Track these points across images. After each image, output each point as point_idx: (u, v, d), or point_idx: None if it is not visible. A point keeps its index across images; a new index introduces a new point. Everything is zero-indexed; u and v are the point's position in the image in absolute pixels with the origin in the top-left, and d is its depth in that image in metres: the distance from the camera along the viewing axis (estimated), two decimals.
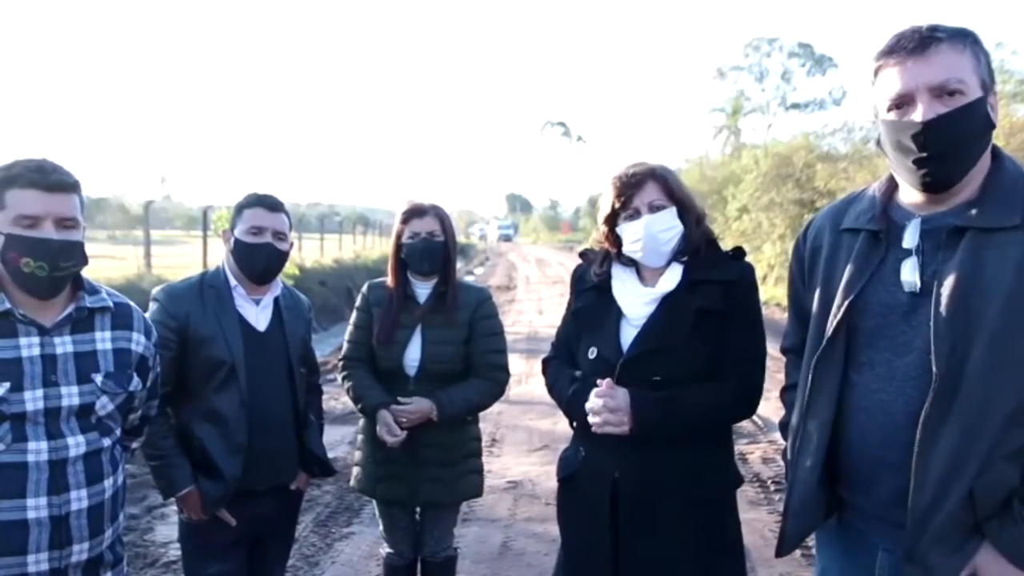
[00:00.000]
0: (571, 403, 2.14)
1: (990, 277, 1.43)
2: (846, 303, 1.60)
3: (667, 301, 2.07)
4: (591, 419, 2.01)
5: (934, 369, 1.44)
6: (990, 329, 1.42)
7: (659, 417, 1.99)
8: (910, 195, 1.61)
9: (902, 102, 1.52)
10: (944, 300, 1.46)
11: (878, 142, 1.63)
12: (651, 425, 1.98)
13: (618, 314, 2.12)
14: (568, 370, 2.22)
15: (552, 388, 2.28)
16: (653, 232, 2.07)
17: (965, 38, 1.50)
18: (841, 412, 1.62)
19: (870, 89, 1.60)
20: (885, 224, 1.61)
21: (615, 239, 2.17)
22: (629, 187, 2.10)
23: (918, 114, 1.49)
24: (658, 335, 2.05)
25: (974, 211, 1.49)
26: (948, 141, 1.48)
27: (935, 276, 1.49)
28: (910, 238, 1.55)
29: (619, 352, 2.07)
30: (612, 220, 2.16)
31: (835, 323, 1.62)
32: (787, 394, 1.85)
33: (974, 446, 1.42)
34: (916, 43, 1.50)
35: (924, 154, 1.49)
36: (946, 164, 1.50)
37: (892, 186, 1.67)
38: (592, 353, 2.12)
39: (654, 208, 2.09)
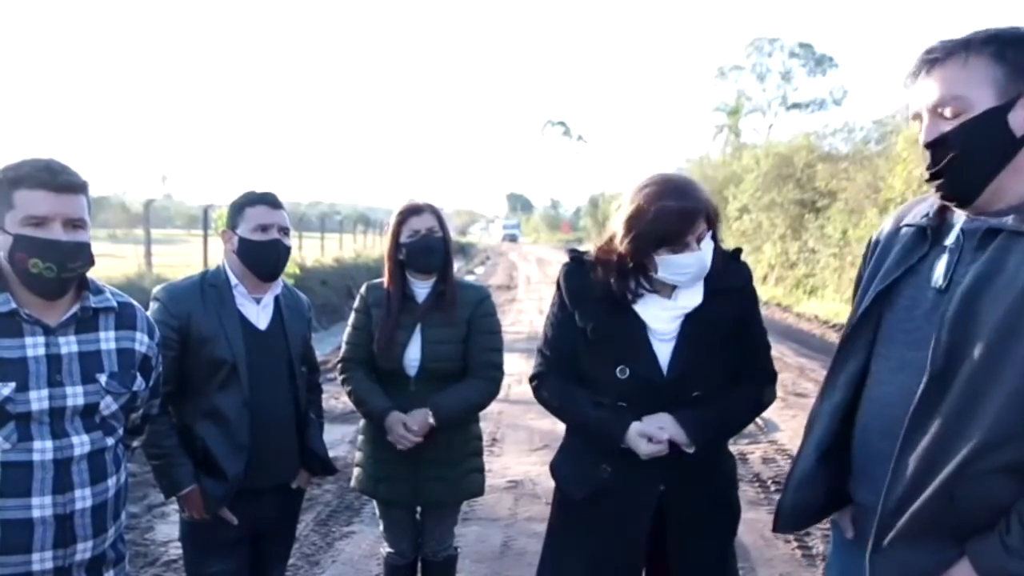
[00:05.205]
0: (600, 432, 2.10)
1: (1005, 280, 1.42)
2: (874, 293, 1.63)
3: (695, 315, 2.06)
4: (641, 445, 2.02)
5: (928, 364, 1.45)
6: (990, 331, 1.40)
7: (714, 435, 2.09)
8: None
9: (917, 121, 1.56)
10: (956, 298, 1.46)
11: None
12: (706, 444, 2.05)
13: (643, 329, 2.07)
14: (581, 391, 2.13)
15: (566, 409, 2.19)
16: (704, 263, 2.03)
17: (967, 48, 1.47)
18: (857, 401, 1.64)
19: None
20: (937, 222, 1.61)
21: (641, 259, 2.04)
22: (683, 223, 1.98)
23: (922, 135, 1.52)
24: (695, 352, 2.05)
25: (1013, 215, 1.47)
26: (951, 158, 1.48)
27: (961, 275, 1.49)
28: (952, 236, 1.56)
29: (657, 370, 2.05)
30: (650, 246, 2.01)
31: (861, 311, 1.65)
32: None
33: (952, 446, 1.41)
34: (916, 66, 1.52)
35: (931, 171, 1.52)
36: (955, 179, 1.50)
37: None
38: (624, 372, 2.06)
39: (700, 239, 2.02)
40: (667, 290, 2.09)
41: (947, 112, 1.47)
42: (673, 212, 1.97)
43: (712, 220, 2.07)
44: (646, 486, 2.07)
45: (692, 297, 2.07)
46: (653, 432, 2.01)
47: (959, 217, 1.58)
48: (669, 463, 2.03)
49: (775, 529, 1.81)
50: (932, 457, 1.43)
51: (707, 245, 2.04)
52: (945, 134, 1.48)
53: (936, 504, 1.43)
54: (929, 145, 1.49)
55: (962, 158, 1.48)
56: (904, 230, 1.68)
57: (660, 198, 1.98)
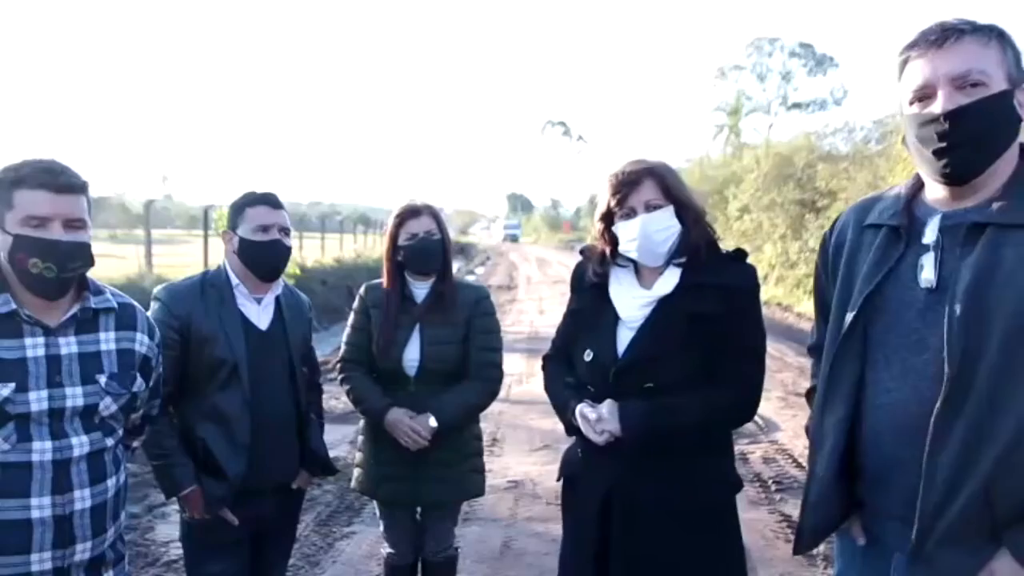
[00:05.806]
0: (560, 412, 2.18)
1: (1007, 274, 1.41)
2: (861, 298, 1.60)
3: (663, 305, 2.04)
4: (583, 428, 2.04)
5: (946, 368, 1.43)
6: (1003, 328, 1.40)
7: (646, 427, 1.97)
8: (934, 192, 1.59)
9: (924, 94, 1.51)
10: (959, 297, 1.44)
11: (904, 139, 1.61)
12: (638, 435, 1.97)
13: (614, 316, 2.09)
14: (563, 373, 2.21)
15: (547, 389, 2.30)
16: (648, 232, 2.02)
17: (991, 32, 1.49)
18: (858, 410, 1.61)
19: (896, 84, 1.58)
20: (907, 220, 1.59)
21: (611, 238, 2.12)
22: (625, 185, 2.05)
23: (938, 105, 1.48)
24: (652, 341, 2.02)
25: (996, 207, 1.47)
26: (968, 132, 1.47)
27: (952, 273, 1.47)
28: (930, 234, 1.54)
29: (614, 356, 2.04)
30: (608, 219, 2.11)
31: (851, 319, 1.61)
32: (813, 395, 1.81)
33: (984, 446, 1.41)
34: (939, 35, 1.50)
35: (943, 144, 1.48)
36: (966, 155, 1.49)
37: (919, 184, 1.65)
38: (588, 356, 2.09)
39: (650, 207, 2.03)
40: (651, 277, 2.09)
41: (970, 84, 1.46)
42: (615, 175, 2.08)
43: (674, 196, 2.05)
44: (598, 476, 2.06)
45: (663, 285, 2.06)
46: (589, 415, 2.02)
47: (929, 214, 1.57)
48: (627, 457, 2.00)
49: (796, 551, 1.78)
50: (965, 458, 1.42)
51: (660, 217, 2.02)
52: (965, 106, 1.46)
53: (976, 503, 1.42)
54: (949, 115, 1.47)
55: (980, 131, 1.47)
56: (872, 231, 1.65)
57: (612, 170, 2.12)
